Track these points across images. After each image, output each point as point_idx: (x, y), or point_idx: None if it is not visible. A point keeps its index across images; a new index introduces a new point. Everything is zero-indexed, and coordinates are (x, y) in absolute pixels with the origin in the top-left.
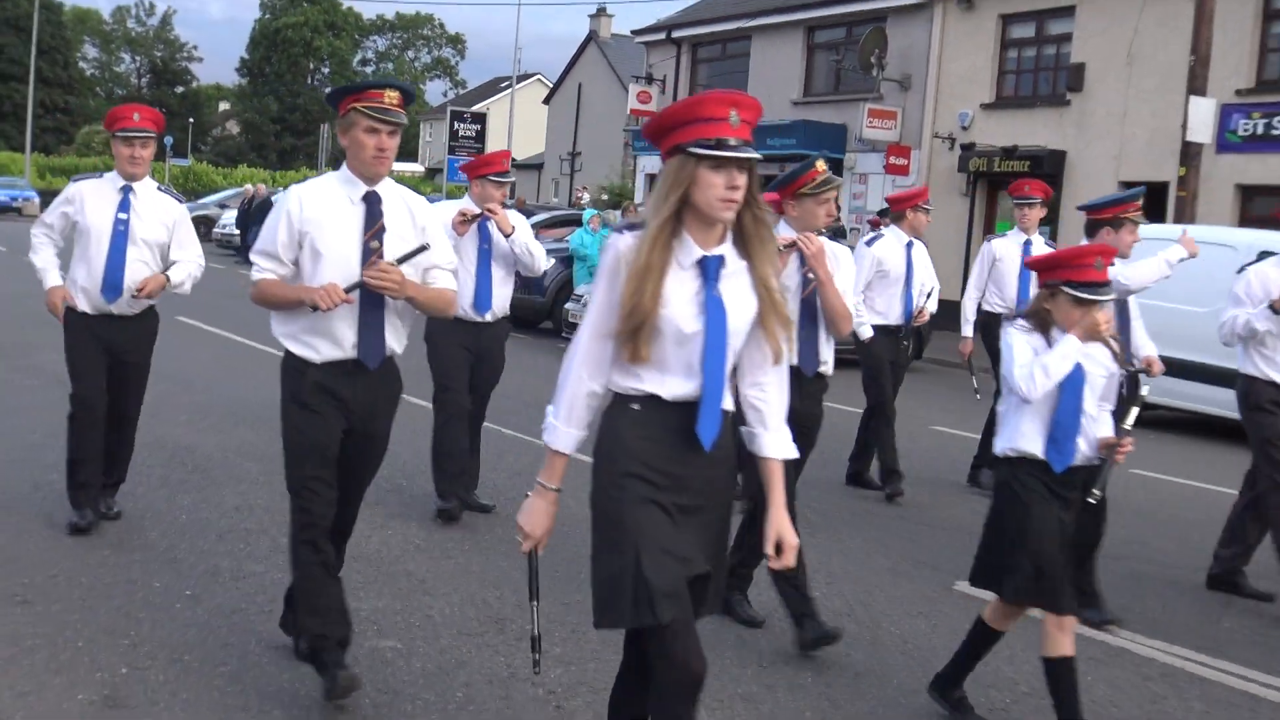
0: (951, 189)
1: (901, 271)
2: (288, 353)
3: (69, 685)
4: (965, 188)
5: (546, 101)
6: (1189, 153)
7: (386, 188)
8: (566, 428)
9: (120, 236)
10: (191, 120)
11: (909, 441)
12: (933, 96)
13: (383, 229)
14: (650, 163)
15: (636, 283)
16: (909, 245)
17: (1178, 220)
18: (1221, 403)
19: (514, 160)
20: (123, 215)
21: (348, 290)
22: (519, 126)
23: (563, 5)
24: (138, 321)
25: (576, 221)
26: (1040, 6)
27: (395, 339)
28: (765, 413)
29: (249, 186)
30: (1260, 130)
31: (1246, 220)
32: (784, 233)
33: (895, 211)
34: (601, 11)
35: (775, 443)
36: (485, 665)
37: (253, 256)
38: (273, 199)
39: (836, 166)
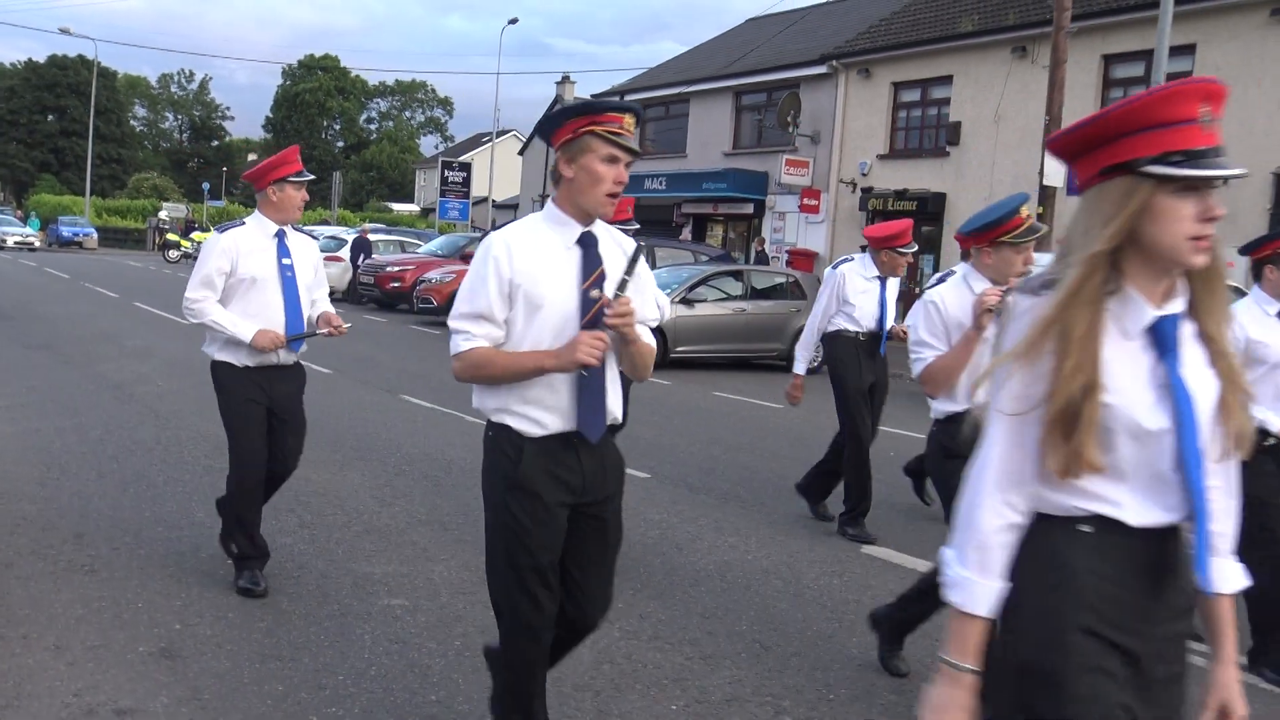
0: (854, 225)
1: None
2: (497, 430)
3: (131, 639)
4: (866, 223)
5: (521, 153)
6: (1045, 195)
7: (599, 228)
8: (983, 579)
9: (290, 283)
10: (225, 169)
11: (818, 435)
12: (838, 148)
13: (603, 276)
14: None
15: (1070, 356)
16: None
17: (1038, 249)
18: None
19: (494, 201)
20: (286, 260)
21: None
22: (498, 174)
23: (534, 74)
24: (296, 370)
25: None
26: (925, 75)
27: (616, 404)
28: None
29: None
30: None
31: None
32: (972, 283)
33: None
34: (566, 78)
35: (1226, 571)
36: (479, 618)
37: (455, 324)
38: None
39: (760, 207)
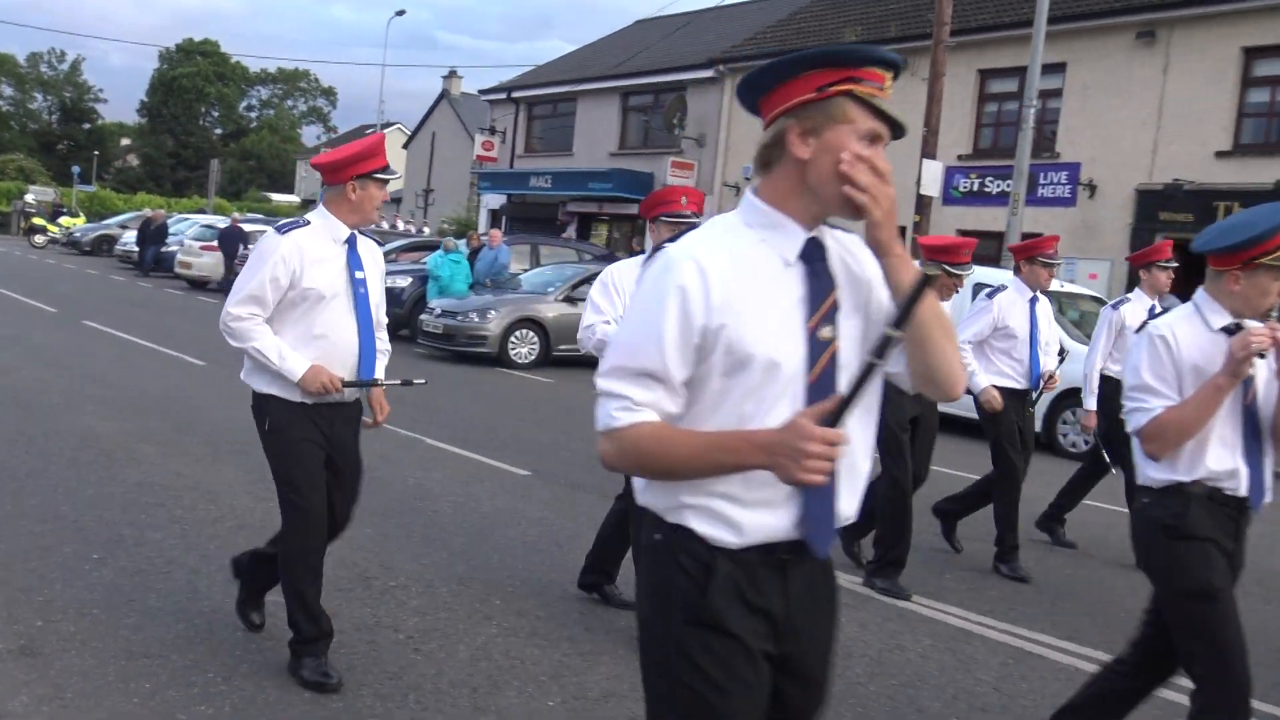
0: None
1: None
2: (674, 534)
3: None
4: None
5: (405, 146)
6: (922, 204)
7: (826, 233)
8: None
9: (364, 301)
10: (96, 153)
11: None
12: (722, 152)
13: (835, 307)
14: (493, 199)
15: None
16: (1032, 301)
17: (914, 256)
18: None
19: None
20: (359, 274)
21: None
22: None
23: (420, 67)
24: (355, 405)
25: (433, 246)
26: None
27: (850, 498)
28: None
29: (148, 211)
30: (976, 188)
31: None
32: (1207, 314)
33: (1015, 261)
34: (453, 73)
35: None
36: (354, 615)
37: (607, 384)
38: (168, 224)
39: None
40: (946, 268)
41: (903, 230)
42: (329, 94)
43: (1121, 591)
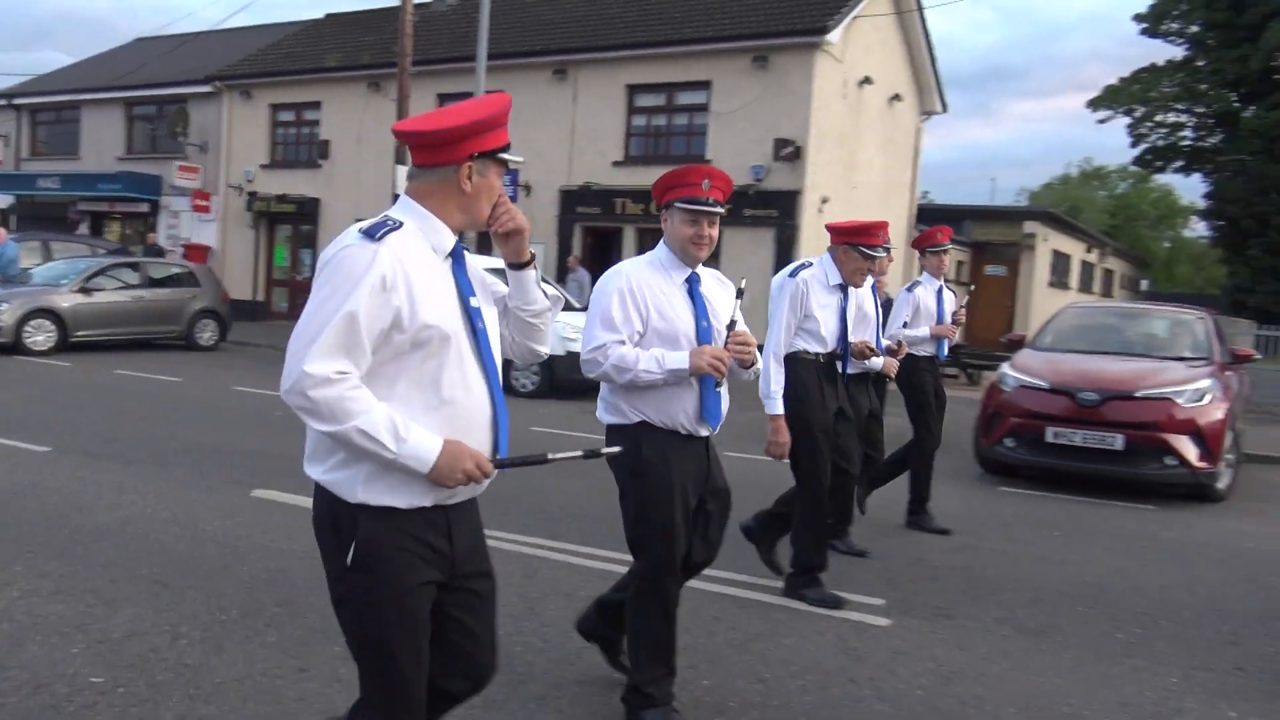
0: (243, 224)
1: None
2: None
3: None
4: (252, 222)
5: None
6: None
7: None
8: None
9: (486, 341)
10: None
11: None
12: (225, 157)
13: None
14: (1, 199)
15: None
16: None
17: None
18: None
19: None
20: (473, 302)
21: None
22: None
23: None
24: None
25: None
26: (298, 100)
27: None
28: None
29: None
30: None
31: None
32: None
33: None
34: None
35: None
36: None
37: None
38: None
39: (155, 206)
40: (862, 249)
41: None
42: None
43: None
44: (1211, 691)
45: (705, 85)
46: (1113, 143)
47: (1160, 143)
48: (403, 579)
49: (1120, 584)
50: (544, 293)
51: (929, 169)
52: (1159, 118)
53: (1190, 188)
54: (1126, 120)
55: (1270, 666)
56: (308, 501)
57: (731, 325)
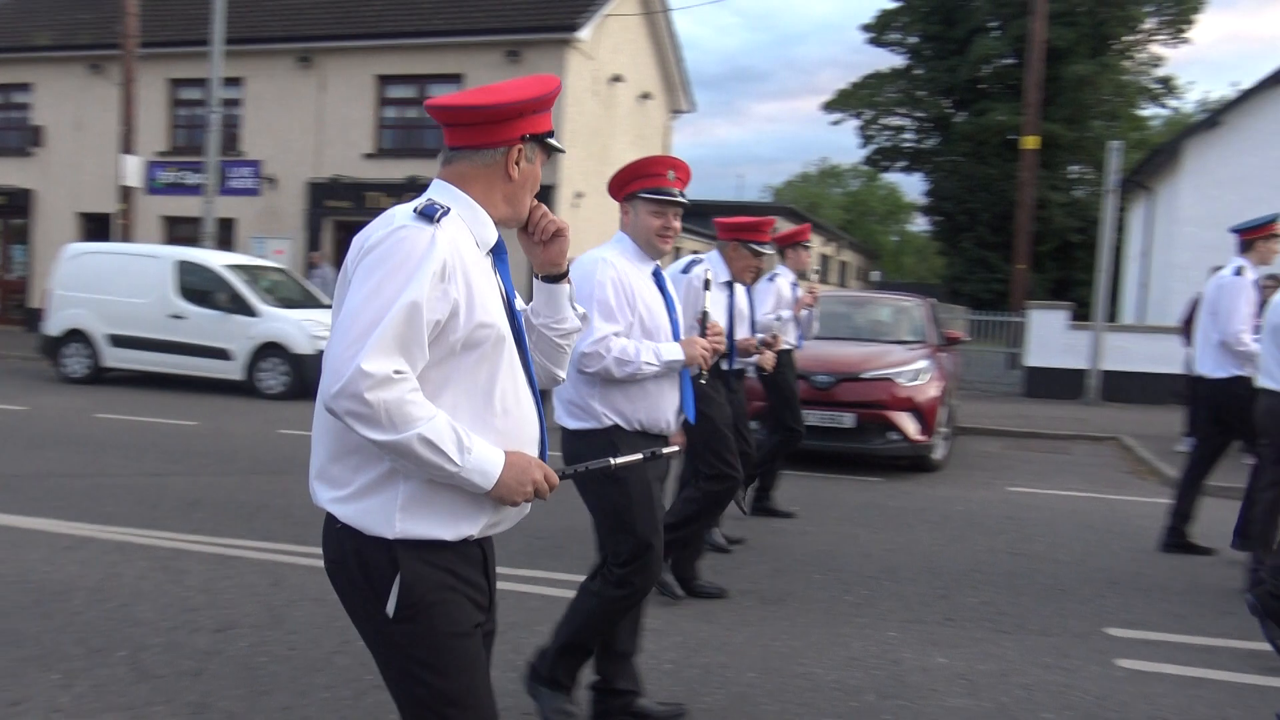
0: None
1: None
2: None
3: None
4: None
5: None
6: (126, 194)
7: None
8: None
9: (525, 344)
10: None
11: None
12: None
13: None
14: None
15: None
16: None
17: (124, 238)
18: (163, 364)
19: None
20: (517, 303)
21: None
22: None
23: None
24: None
25: None
26: (4, 80)
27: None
28: None
29: None
30: (176, 180)
31: (171, 239)
32: None
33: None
34: None
35: None
36: None
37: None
38: None
39: None
40: (753, 246)
41: (108, 217)
42: None
43: None
44: (925, 641)
45: (458, 78)
46: (846, 143)
47: (886, 144)
48: (458, 623)
49: (850, 550)
50: (575, 310)
51: None
52: (885, 121)
53: (913, 186)
54: (856, 122)
55: (974, 616)
56: (17, 519)
57: (704, 317)
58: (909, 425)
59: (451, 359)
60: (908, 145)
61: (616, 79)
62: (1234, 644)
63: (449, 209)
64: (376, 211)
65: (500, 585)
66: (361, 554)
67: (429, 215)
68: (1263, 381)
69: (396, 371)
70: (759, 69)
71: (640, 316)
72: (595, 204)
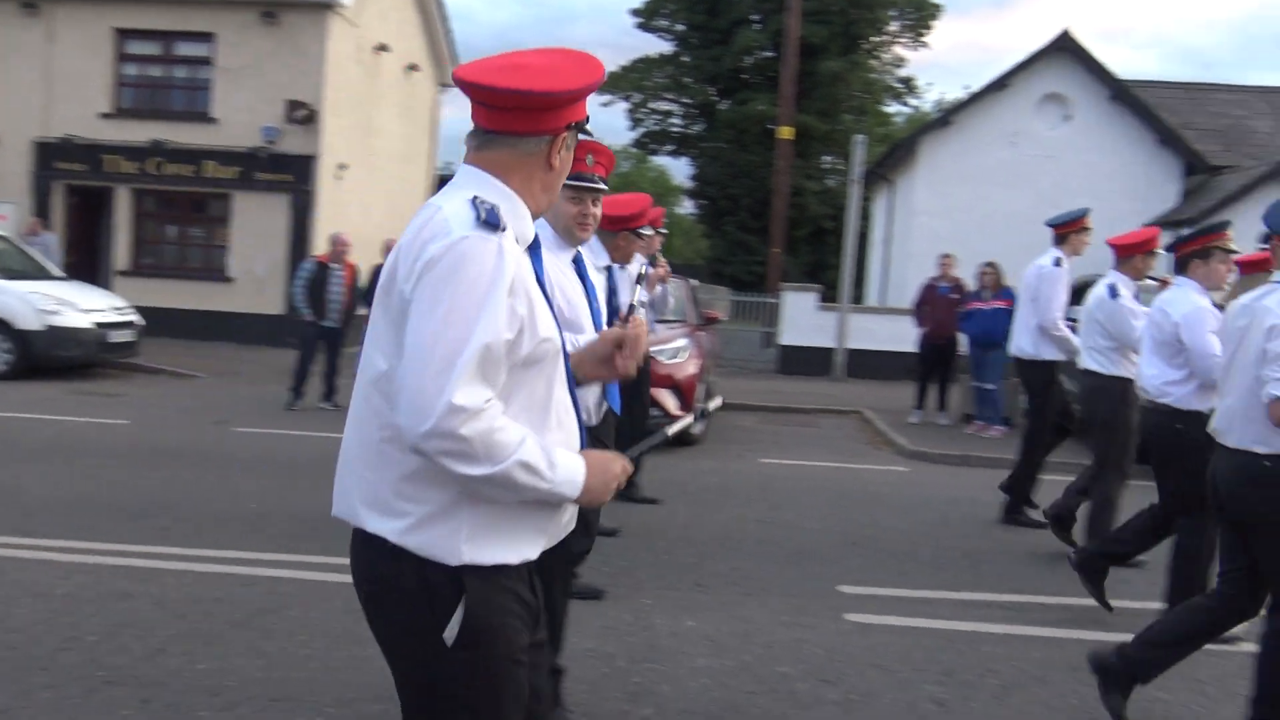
0: None
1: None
2: None
3: None
4: None
5: None
6: None
7: None
8: None
9: (565, 352)
10: None
11: None
12: None
13: None
14: None
15: None
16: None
17: None
18: None
19: None
20: (556, 304)
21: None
22: None
23: None
24: None
25: None
26: None
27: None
28: None
29: None
30: None
31: None
32: None
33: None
34: None
35: None
36: None
37: None
38: None
39: None
40: (639, 231)
41: None
42: None
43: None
44: (677, 606)
45: (208, 37)
46: (618, 124)
47: (655, 127)
48: (513, 648)
49: (611, 524)
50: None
51: (450, 140)
52: (653, 105)
53: (680, 169)
54: (626, 105)
55: (724, 581)
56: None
57: (631, 310)
58: (669, 401)
59: (514, 374)
60: (675, 130)
61: (382, 48)
62: (949, 595)
63: (502, 225)
64: (117, 176)
65: (257, 571)
66: (428, 581)
67: (493, 222)
68: (1086, 363)
69: (487, 401)
70: (530, 45)
71: (559, 309)
72: (359, 176)
